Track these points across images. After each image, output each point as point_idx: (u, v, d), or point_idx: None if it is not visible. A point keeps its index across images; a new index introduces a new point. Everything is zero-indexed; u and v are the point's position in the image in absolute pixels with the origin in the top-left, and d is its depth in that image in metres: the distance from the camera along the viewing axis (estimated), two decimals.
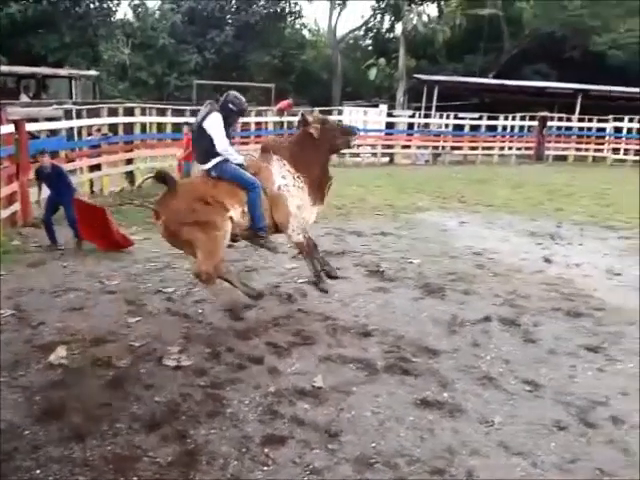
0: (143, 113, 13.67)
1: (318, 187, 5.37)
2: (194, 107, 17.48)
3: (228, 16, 31.31)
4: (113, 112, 12.80)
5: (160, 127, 14.27)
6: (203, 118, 4.97)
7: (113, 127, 12.71)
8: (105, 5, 26.90)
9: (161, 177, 4.97)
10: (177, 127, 14.35)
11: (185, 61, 29.12)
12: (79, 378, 4.17)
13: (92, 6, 25.85)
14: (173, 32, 29.15)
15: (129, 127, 13.11)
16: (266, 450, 3.41)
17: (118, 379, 4.16)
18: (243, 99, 5.17)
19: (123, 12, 30.50)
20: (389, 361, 4.56)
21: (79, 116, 12.11)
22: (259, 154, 5.40)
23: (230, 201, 4.98)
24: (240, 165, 5.13)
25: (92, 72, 23.31)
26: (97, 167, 11.93)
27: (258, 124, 18.15)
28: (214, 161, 4.96)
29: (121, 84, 27.94)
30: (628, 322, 5.55)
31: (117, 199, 11.11)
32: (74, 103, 15.35)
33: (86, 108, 12.69)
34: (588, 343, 5.02)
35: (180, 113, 15.28)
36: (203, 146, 4.97)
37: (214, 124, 4.92)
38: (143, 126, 13.62)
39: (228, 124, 5.03)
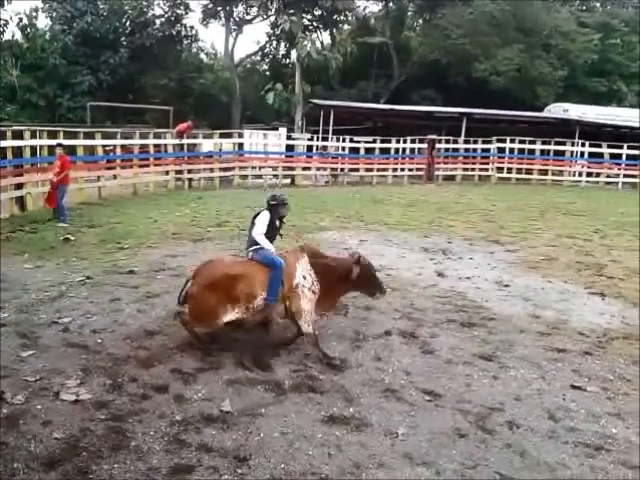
0: (33, 136, 12.96)
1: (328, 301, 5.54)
2: (88, 129, 16.89)
3: (122, 38, 30.57)
4: (1, 135, 12.04)
5: (52, 150, 13.58)
6: (256, 215, 5.65)
7: (1, 151, 11.93)
8: None
9: None
10: (71, 150, 13.75)
11: (78, 82, 28.02)
12: None
13: None
14: (65, 53, 27.99)
15: (18, 150, 12.37)
16: None
17: (13, 417, 3.87)
18: (278, 194, 5.85)
19: (11, 33, 28.82)
20: (296, 380, 4.54)
21: None
22: (292, 250, 5.70)
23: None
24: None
25: None
26: None
27: (157, 146, 17.73)
28: (254, 247, 5.46)
29: (9, 106, 26.39)
30: (518, 330, 5.87)
31: (7, 226, 10.44)
32: None
33: None
34: (482, 352, 5.25)
35: (73, 135, 14.67)
36: (251, 235, 5.53)
37: (259, 218, 5.55)
38: (33, 149, 12.91)
39: (279, 215, 5.67)
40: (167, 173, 17.74)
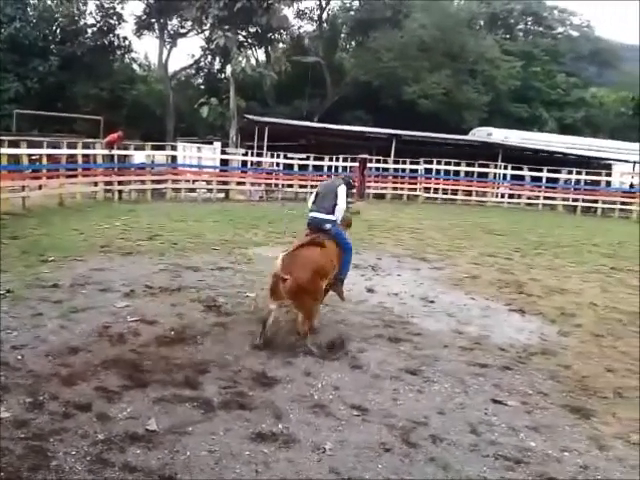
0: None
1: None
2: (13, 137, 16.16)
3: (52, 46, 29.60)
4: None
5: None
6: (337, 185, 6.31)
7: None
8: None
9: None
10: None
11: (4, 89, 26.89)
12: None
13: None
14: None
15: None
16: None
17: None
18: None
19: None
20: (225, 397, 4.47)
21: None
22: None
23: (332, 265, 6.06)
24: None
25: None
26: None
27: (86, 157, 17.16)
28: (333, 217, 6.16)
29: None
30: (442, 345, 6.01)
31: None
32: None
33: None
34: (408, 366, 5.34)
35: None
36: (331, 203, 6.15)
37: (341, 190, 6.24)
38: None
39: (349, 193, 6.63)
40: (96, 184, 17.21)
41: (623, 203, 23.98)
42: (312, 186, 22.27)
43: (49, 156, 15.81)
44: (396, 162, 24.57)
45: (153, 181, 18.99)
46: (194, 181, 20.55)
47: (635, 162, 26.57)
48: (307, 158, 22.85)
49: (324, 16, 38.95)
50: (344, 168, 23.32)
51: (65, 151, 16.34)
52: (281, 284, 5.41)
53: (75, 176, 16.56)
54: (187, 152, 21.41)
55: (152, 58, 39.04)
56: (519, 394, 4.95)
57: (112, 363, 4.91)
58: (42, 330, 5.59)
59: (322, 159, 22.89)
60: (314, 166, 22.77)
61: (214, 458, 3.65)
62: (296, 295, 5.46)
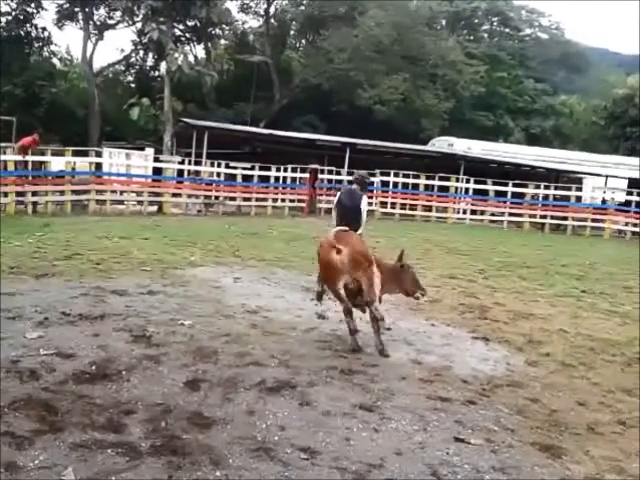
0: None
1: None
2: None
3: None
4: None
5: None
6: (360, 197, 7.73)
7: None
8: None
9: None
10: None
11: None
12: None
13: None
14: None
15: None
16: None
17: None
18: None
19: None
20: (155, 441, 4.36)
21: None
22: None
23: None
24: None
25: None
26: None
27: None
28: (361, 229, 7.64)
29: None
30: (399, 377, 6.05)
31: None
32: None
33: None
34: (362, 402, 5.34)
35: None
36: (358, 216, 7.63)
37: (365, 201, 7.80)
38: None
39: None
40: (6, 195, 16.72)
41: (595, 220, 24.74)
42: (257, 199, 22.28)
43: None
44: (350, 173, 24.78)
45: (73, 191, 18.59)
46: (122, 192, 20.23)
47: (607, 176, 27.43)
48: (252, 168, 22.82)
49: (271, 11, 39.25)
50: (293, 179, 23.41)
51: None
52: (336, 256, 6.62)
53: None
54: (114, 159, 21.12)
55: (75, 52, 38.50)
56: (483, 431, 5.01)
57: (22, 404, 4.72)
58: None
59: (269, 169, 22.91)
60: (259, 177, 22.77)
61: None
62: (354, 263, 6.70)
